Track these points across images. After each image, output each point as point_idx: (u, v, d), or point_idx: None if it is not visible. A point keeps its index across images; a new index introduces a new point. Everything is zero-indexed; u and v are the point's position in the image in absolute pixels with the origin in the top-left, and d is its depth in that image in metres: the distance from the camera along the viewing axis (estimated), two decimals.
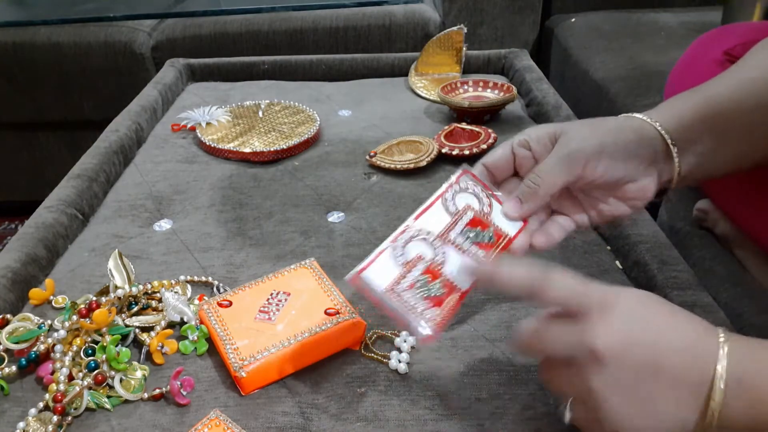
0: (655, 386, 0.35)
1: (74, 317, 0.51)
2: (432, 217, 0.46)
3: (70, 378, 0.48)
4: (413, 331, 0.40)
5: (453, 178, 0.48)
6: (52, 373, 0.49)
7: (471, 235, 0.45)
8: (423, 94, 1.00)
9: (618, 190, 0.47)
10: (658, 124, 0.45)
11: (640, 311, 0.37)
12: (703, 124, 0.45)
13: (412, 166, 0.76)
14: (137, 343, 0.53)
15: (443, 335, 0.53)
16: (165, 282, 0.58)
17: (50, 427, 0.44)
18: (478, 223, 0.46)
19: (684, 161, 0.46)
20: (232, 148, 0.82)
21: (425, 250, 0.44)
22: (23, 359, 0.50)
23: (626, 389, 0.35)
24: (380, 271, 0.42)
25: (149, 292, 0.57)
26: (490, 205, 0.47)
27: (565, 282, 0.38)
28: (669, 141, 0.45)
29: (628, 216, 0.48)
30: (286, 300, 0.54)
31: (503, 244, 0.46)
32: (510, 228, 0.47)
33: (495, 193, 0.48)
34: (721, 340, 0.35)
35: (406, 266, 0.42)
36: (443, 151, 0.79)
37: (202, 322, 0.53)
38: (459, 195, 0.47)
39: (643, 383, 0.35)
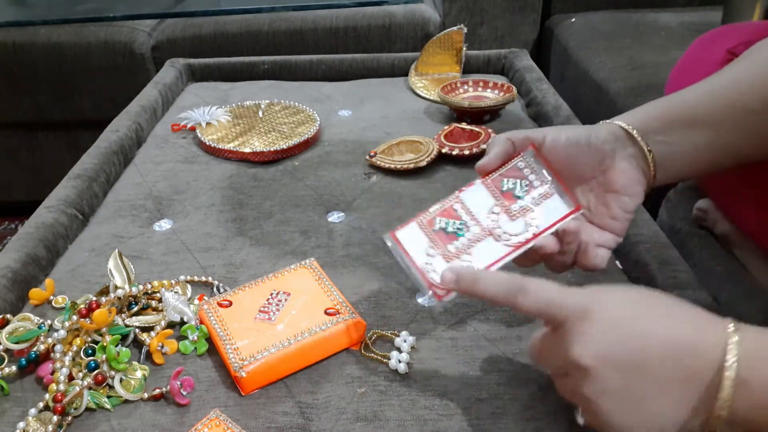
0: (644, 386, 0.35)
1: (74, 317, 0.51)
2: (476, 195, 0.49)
3: (70, 378, 0.48)
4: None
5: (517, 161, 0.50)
6: (52, 373, 0.49)
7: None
8: (423, 94, 1.00)
9: (607, 185, 0.48)
10: (619, 122, 0.48)
11: (624, 313, 0.37)
12: (670, 124, 0.47)
13: (412, 166, 0.76)
14: (137, 343, 0.53)
15: (443, 334, 0.53)
16: (165, 282, 0.58)
17: (50, 427, 0.44)
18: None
19: (655, 150, 0.48)
20: (232, 148, 0.82)
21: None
22: (23, 359, 0.50)
23: (616, 393, 0.36)
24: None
25: (149, 292, 0.57)
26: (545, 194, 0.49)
27: (541, 293, 0.39)
28: (628, 128, 0.47)
29: (636, 207, 0.49)
30: (286, 300, 0.54)
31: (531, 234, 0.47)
32: (545, 220, 0.48)
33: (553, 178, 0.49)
34: (730, 330, 0.35)
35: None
36: (443, 151, 0.79)
37: (202, 322, 0.53)
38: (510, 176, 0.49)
39: (633, 384, 0.35)
